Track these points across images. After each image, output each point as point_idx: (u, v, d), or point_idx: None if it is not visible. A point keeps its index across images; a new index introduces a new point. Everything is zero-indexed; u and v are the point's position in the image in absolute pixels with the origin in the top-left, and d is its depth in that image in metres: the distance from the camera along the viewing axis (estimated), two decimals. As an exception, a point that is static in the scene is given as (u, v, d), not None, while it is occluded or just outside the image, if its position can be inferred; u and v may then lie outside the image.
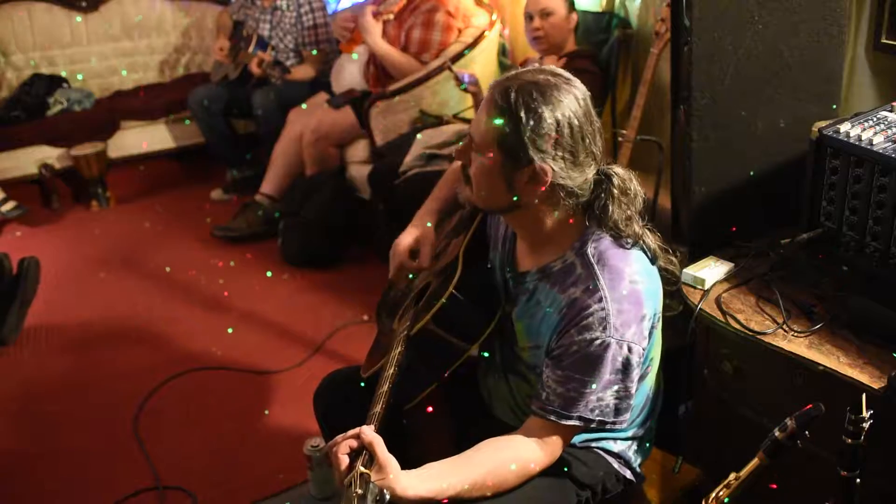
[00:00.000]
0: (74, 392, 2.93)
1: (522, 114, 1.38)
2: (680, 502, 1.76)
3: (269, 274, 3.56)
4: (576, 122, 1.40)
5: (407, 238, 1.81)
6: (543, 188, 1.42)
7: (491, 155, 1.43)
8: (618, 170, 1.48)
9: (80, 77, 4.66)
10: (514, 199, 1.45)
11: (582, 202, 1.47)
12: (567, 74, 1.45)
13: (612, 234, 1.47)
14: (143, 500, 2.43)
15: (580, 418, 1.43)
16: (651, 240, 1.51)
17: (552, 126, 1.39)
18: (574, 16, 3.03)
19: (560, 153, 1.40)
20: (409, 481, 1.34)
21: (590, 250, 1.46)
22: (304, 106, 3.91)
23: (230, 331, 3.14)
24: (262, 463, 2.53)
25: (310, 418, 1.88)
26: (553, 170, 1.41)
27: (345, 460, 1.36)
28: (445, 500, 1.38)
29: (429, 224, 1.83)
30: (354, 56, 3.86)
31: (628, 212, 1.47)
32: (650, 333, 1.48)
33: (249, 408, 2.81)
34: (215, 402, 2.85)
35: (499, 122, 1.40)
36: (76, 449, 2.65)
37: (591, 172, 1.45)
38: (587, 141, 1.42)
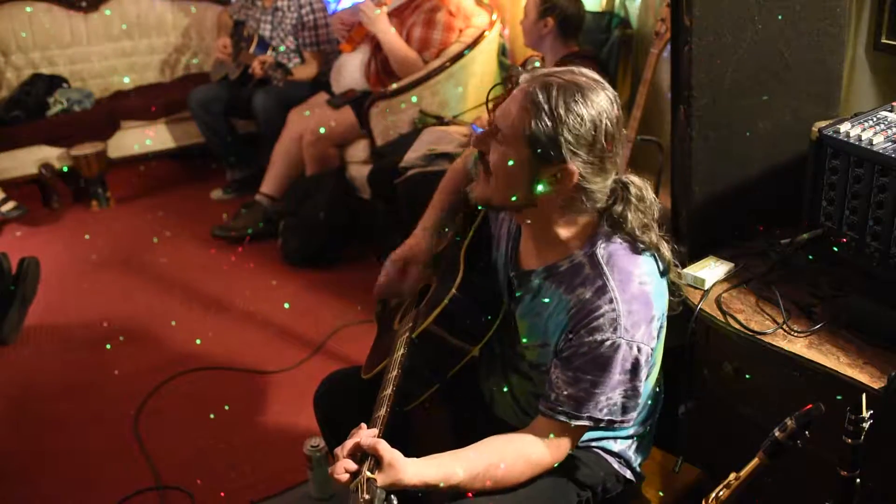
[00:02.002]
0: (74, 392, 2.93)
1: (562, 111, 1.37)
2: (680, 502, 1.76)
3: (274, 282, 3.56)
4: (611, 127, 1.40)
5: (400, 253, 1.83)
6: (567, 188, 1.42)
7: (519, 148, 1.41)
8: (634, 178, 1.49)
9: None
10: (531, 195, 1.44)
11: (598, 208, 1.47)
12: (601, 79, 1.44)
13: (628, 239, 1.47)
14: (143, 500, 2.43)
15: (590, 418, 1.44)
16: (666, 251, 1.51)
17: (590, 129, 1.38)
18: (550, 21, 3.00)
19: (591, 157, 1.40)
20: (415, 468, 1.35)
21: (599, 251, 1.46)
22: (307, 113, 3.90)
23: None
24: (261, 463, 2.53)
25: (310, 418, 1.88)
26: (579, 172, 1.40)
27: (345, 477, 1.34)
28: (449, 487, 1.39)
29: (425, 240, 1.84)
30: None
31: (645, 220, 1.48)
32: (658, 334, 1.48)
33: (249, 408, 2.81)
34: (215, 402, 2.84)
35: (535, 115, 1.38)
36: (76, 449, 2.65)
37: (610, 180, 1.45)
38: (616, 149, 1.43)
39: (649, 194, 1.49)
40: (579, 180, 1.41)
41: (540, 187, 1.42)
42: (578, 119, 1.37)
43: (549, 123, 1.38)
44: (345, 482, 1.32)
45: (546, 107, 1.38)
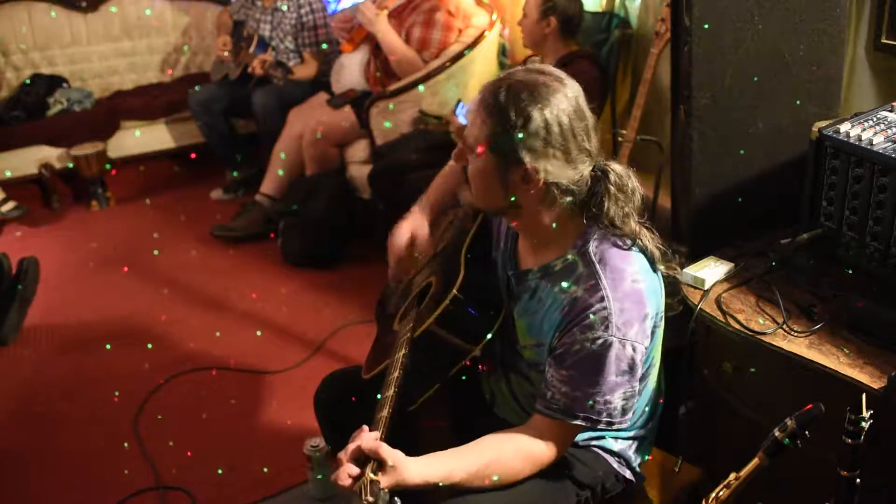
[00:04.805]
0: (74, 392, 2.93)
1: (512, 114, 1.38)
2: (680, 502, 1.76)
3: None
4: (565, 119, 1.40)
5: (402, 229, 1.84)
6: (537, 188, 1.42)
7: (484, 156, 1.43)
8: (615, 166, 1.47)
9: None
10: (511, 199, 1.45)
11: (580, 199, 1.47)
12: (558, 73, 1.45)
13: (611, 231, 1.47)
14: (143, 500, 2.43)
15: (586, 418, 1.44)
16: (648, 240, 1.51)
17: (541, 125, 1.38)
18: (552, 20, 3.00)
19: (552, 151, 1.40)
20: (417, 467, 1.36)
21: (591, 249, 1.46)
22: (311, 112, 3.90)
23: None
24: (261, 463, 2.53)
25: (310, 418, 1.88)
26: (546, 169, 1.40)
27: (348, 482, 1.33)
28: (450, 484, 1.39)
29: (423, 215, 1.86)
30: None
31: (626, 209, 1.47)
32: (653, 332, 1.48)
33: (249, 408, 2.81)
34: (215, 402, 2.85)
35: (489, 123, 1.40)
36: (76, 449, 2.65)
37: (586, 169, 1.45)
38: (579, 138, 1.42)
39: (631, 182, 1.48)
40: (548, 177, 1.41)
41: (513, 190, 1.43)
42: (526, 119, 1.38)
43: (501, 128, 1.39)
44: (348, 486, 1.32)
45: (497, 112, 1.39)
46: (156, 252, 3.72)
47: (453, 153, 1.54)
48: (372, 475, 1.29)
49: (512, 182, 1.43)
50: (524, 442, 1.46)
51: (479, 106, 1.43)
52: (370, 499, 1.24)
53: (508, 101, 1.38)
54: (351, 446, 1.35)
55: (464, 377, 1.70)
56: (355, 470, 1.33)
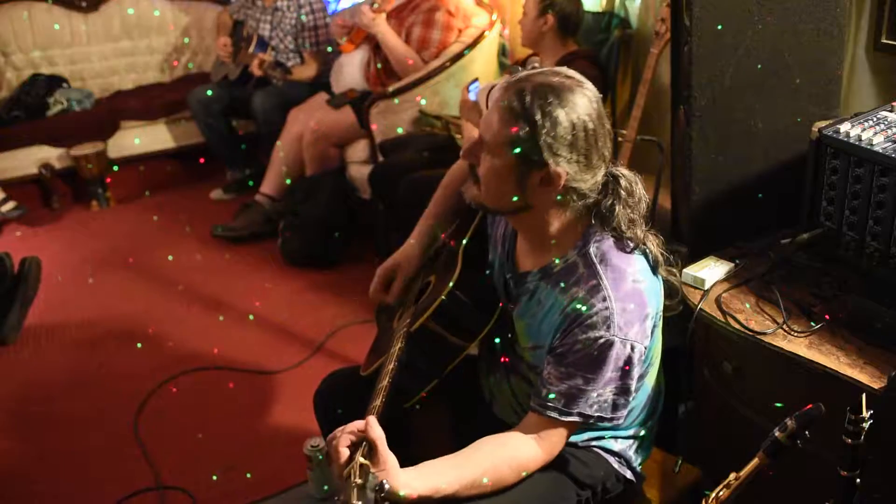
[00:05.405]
0: (74, 392, 2.93)
1: (538, 116, 1.37)
2: (680, 502, 1.76)
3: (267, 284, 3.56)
4: (590, 124, 1.40)
5: (389, 263, 1.84)
6: (555, 191, 1.42)
7: (504, 157, 1.42)
8: (624, 171, 1.48)
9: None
10: (524, 200, 1.44)
11: (588, 203, 1.47)
12: (579, 76, 1.44)
13: (615, 235, 1.47)
14: (143, 500, 2.43)
15: (580, 414, 1.44)
16: (653, 245, 1.51)
17: (568, 129, 1.38)
18: (550, 18, 3.00)
19: (574, 156, 1.40)
20: (407, 479, 1.35)
21: (592, 250, 1.46)
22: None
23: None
24: (261, 463, 2.53)
25: (310, 418, 1.88)
26: (567, 173, 1.40)
27: (345, 453, 1.34)
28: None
29: (416, 247, 1.86)
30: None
31: (633, 215, 1.47)
32: (652, 332, 1.48)
33: (249, 408, 2.81)
34: (215, 402, 2.85)
35: (513, 124, 1.39)
36: (76, 449, 2.65)
37: (601, 174, 1.45)
38: (600, 143, 1.42)
39: (639, 189, 1.49)
40: (567, 180, 1.41)
41: (528, 192, 1.43)
42: (555, 121, 1.37)
43: (527, 129, 1.38)
44: (343, 461, 1.33)
45: (522, 113, 1.38)
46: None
47: (463, 150, 1.53)
48: (362, 459, 1.29)
49: (530, 184, 1.42)
50: (519, 446, 1.46)
51: (502, 106, 1.41)
52: (359, 481, 1.24)
53: (534, 103, 1.37)
54: (353, 426, 1.36)
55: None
56: (346, 453, 1.33)
